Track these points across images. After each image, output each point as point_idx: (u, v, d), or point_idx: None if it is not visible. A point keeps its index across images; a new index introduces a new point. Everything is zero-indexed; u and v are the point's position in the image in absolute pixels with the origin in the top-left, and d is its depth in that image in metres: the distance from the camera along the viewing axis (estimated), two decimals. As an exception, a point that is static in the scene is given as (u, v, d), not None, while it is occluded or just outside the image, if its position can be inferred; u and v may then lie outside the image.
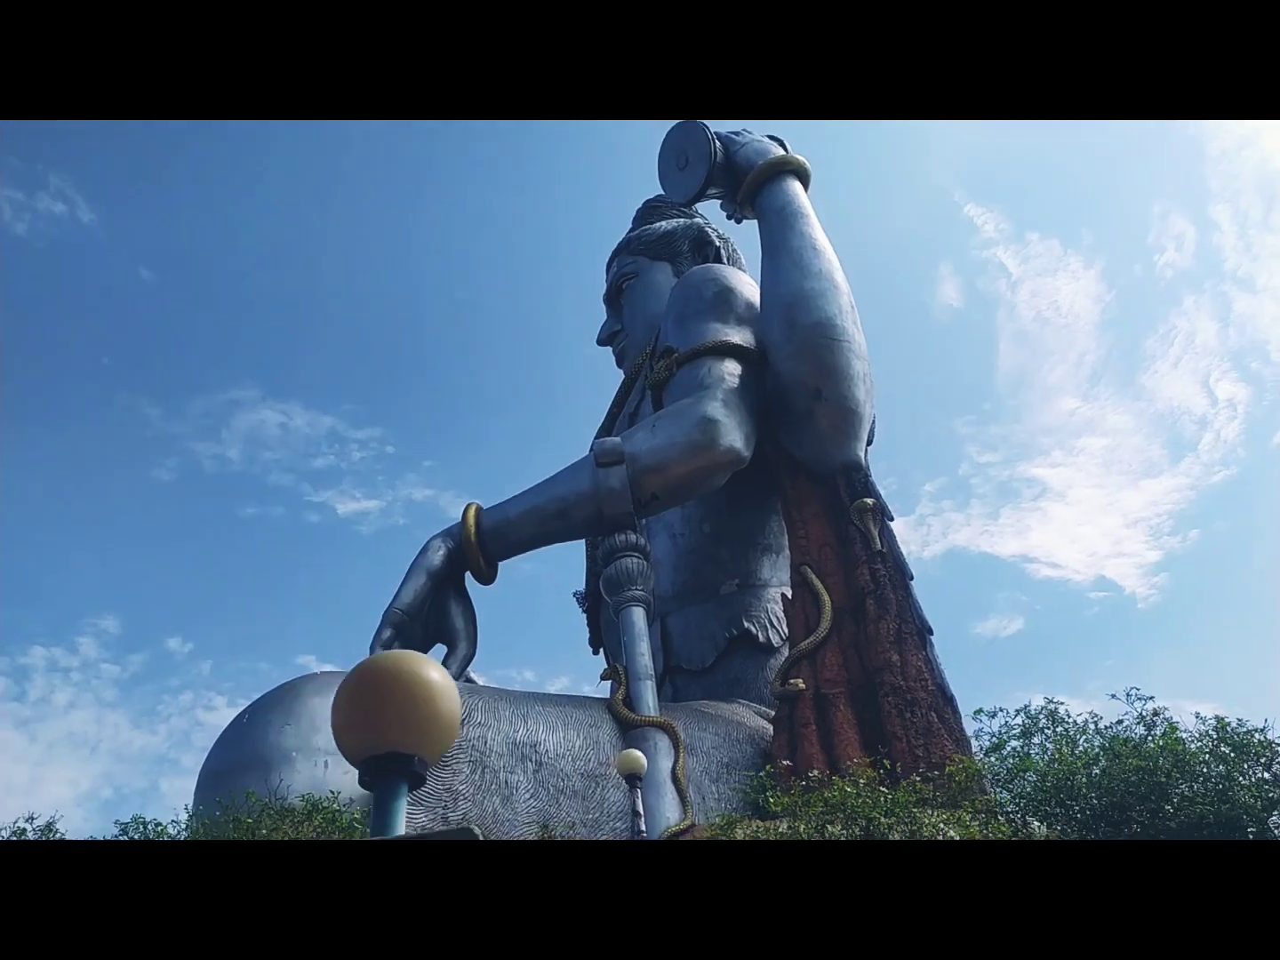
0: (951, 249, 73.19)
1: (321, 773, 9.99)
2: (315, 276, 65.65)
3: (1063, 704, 11.84)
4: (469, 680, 14.33)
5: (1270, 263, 62.63)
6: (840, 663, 13.62)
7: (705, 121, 17.32)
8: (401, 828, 4.01)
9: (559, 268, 71.43)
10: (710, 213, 22.84)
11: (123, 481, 60.15)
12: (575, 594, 18.96)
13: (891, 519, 14.84)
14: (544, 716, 12.16)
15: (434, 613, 14.67)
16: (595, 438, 20.72)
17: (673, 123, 18.32)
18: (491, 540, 14.91)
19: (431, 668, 4.26)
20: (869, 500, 14.68)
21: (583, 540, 18.63)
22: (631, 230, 22.74)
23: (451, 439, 69.94)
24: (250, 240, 63.17)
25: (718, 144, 17.10)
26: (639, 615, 13.89)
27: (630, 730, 12.57)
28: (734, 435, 14.71)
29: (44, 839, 8.77)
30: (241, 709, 11.25)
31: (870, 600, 13.81)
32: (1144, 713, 10.70)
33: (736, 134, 17.53)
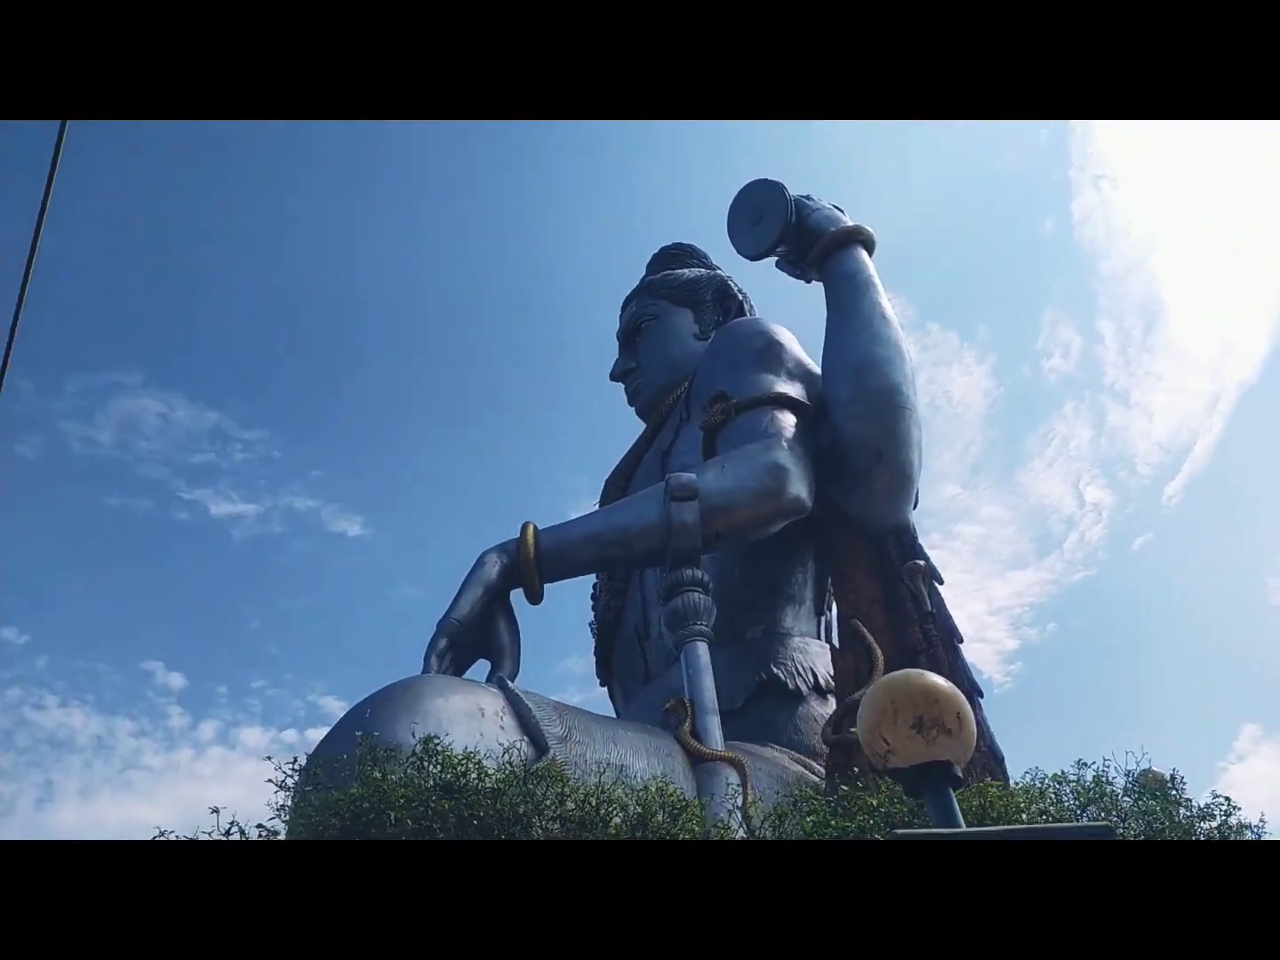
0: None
1: (450, 777, 9.60)
2: (215, 265, 60.21)
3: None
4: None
5: (1144, 380, 68.83)
6: (892, 716, 14.01)
7: (782, 182, 17.99)
8: None
9: (480, 272, 67.41)
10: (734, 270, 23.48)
11: (-21, 454, 54.69)
12: (590, 624, 18.82)
13: (941, 582, 15.49)
14: (629, 742, 12.06)
15: (482, 628, 14.42)
16: (614, 472, 20.75)
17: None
18: (549, 561, 14.81)
19: None
20: (920, 562, 15.29)
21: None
22: (648, 274, 23.08)
23: (343, 452, 66.60)
24: (142, 215, 57.16)
25: (793, 205, 17.76)
26: (703, 649, 13.94)
27: (701, 763, 12.57)
28: (801, 485, 15.13)
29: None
30: (353, 704, 10.71)
31: (923, 658, 14.28)
32: None
33: (808, 199, 18.24)
